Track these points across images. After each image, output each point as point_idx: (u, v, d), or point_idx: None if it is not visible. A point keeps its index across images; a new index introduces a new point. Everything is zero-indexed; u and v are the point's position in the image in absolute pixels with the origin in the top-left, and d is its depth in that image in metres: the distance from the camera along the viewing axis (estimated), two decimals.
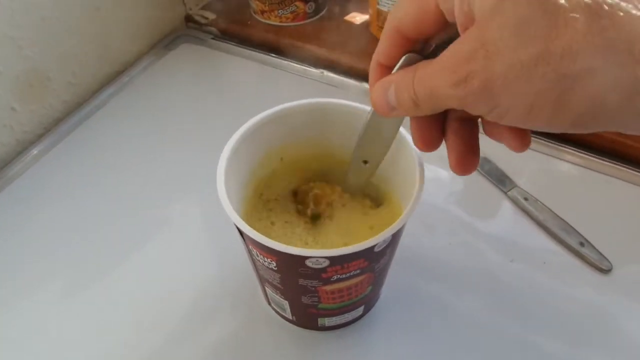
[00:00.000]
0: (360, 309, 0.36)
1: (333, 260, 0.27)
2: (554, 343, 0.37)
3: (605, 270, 0.40)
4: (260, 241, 0.27)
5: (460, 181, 0.48)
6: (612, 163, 0.48)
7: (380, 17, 0.58)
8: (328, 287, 0.31)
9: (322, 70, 0.58)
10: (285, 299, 0.34)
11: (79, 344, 0.37)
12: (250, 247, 0.30)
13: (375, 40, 0.59)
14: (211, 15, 0.66)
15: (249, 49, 0.62)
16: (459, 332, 0.38)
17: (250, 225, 0.28)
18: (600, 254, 0.41)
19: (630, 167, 0.48)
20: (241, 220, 0.28)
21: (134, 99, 0.56)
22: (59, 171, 0.49)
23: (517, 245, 0.43)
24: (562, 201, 0.45)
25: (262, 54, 0.61)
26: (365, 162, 0.33)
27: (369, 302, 0.36)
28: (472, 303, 0.39)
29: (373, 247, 0.28)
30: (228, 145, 0.32)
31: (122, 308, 0.39)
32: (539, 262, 0.41)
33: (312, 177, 0.38)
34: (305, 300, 0.33)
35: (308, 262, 0.28)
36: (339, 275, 0.29)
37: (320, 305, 0.33)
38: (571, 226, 0.43)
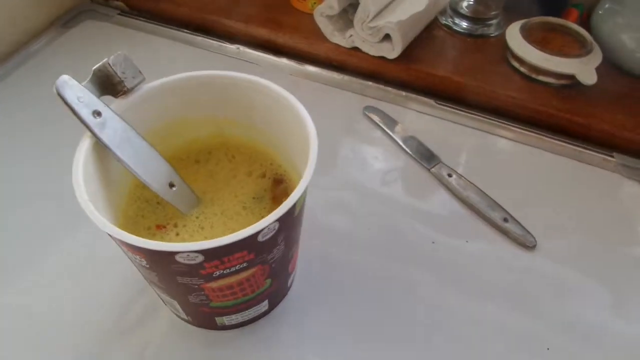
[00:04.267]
0: (264, 304, 0.33)
1: (207, 254, 0.24)
2: (481, 320, 0.34)
3: (530, 247, 0.38)
4: (122, 238, 0.23)
5: (382, 159, 0.45)
6: (537, 133, 0.46)
7: None
8: (213, 284, 0.27)
9: (238, 46, 0.54)
10: (173, 299, 0.30)
11: None
12: (120, 246, 0.26)
13: (295, 11, 0.55)
14: None
15: (160, 25, 0.57)
16: (378, 321, 0.35)
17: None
18: (525, 229, 0.39)
19: (555, 137, 0.46)
20: (95, 212, 0.24)
21: (28, 79, 0.50)
22: None
23: (440, 222, 0.40)
24: (487, 176, 0.42)
25: (174, 30, 0.56)
26: (171, 185, 0.30)
27: (273, 296, 0.33)
28: (393, 288, 0.36)
29: (255, 235, 0.24)
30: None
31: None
32: (462, 240, 0.39)
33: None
34: (193, 299, 0.29)
35: (179, 258, 0.24)
36: (221, 271, 0.26)
37: (212, 304, 0.29)
38: (495, 202, 0.41)
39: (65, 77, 0.26)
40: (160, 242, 0.23)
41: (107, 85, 0.28)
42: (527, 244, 0.39)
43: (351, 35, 0.50)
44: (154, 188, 0.29)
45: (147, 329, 0.34)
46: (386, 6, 0.47)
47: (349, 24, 0.49)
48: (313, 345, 0.34)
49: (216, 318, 0.32)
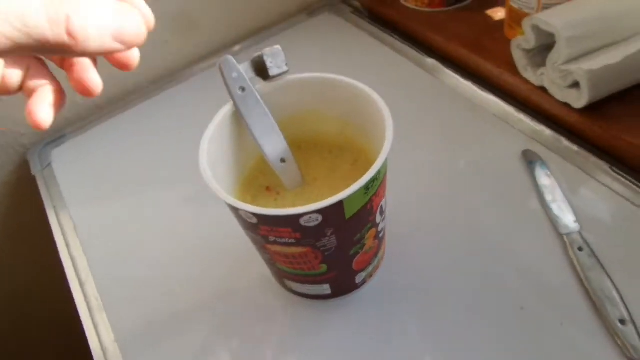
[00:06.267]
0: (326, 287, 0.37)
1: (260, 218, 0.29)
2: None
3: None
4: (218, 194, 0.30)
5: (516, 204, 0.42)
6: None
7: (512, 15, 0.52)
8: (272, 248, 0.32)
9: (433, 60, 0.56)
10: (258, 251, 0.37)
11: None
12: None
13: (504, 39, 0.54)
14: None
15: (378, 27, 0.63)
16: (437, 345, 0.35)
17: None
18: None
19: None
20: (210, 175, 0.31)
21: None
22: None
23: (541, 291, 0.37)
24: (630, 268, 0.36)
25: (386, 35, 0.62)
26: (283, 160, 0.34)
27: (336, 284, 0.36)
28: (469, 326, 0.36)
29: (297, 218, 0.28)
30: (216, 118, 0.34)
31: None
32: (556, 321, 0.35)
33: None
34: (264, 255, 0.35)
35: (242, 214, 0.30)
36: (274, 238, 0.31)
37: (277, 265, 0.35)
38: (622, 298, 0.35)
39: (228, 57, 0.34)
40: (234, 199, 0.30)
41: (260, 70, 0.35)
42: (635, 356, 0.32)
43: (542, 74, 0.47)
44: (268, 158, 0.35)
45: (244, 270, 0.42)
46: (585, 53, 0.43)
47: (544, 62, 0.46)
48: (362, 340, 0.36)
49: (285, 280, 0.37)
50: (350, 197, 0.28)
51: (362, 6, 0.67)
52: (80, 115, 0.61)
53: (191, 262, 0.44)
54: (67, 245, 0.47)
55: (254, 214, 0.29)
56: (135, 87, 0.63)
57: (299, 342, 0.37)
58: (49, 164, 0.56)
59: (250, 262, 0.42)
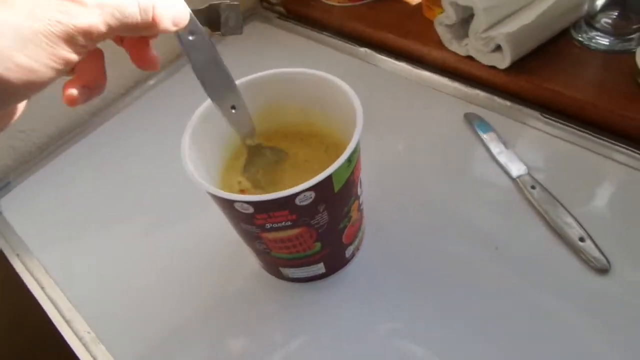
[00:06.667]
0: (320, 266, 0.39)
1: (256, 206, 0.31)
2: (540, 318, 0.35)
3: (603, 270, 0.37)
4: (203, 187, 0.32)
5: (469, 160, 0.46)
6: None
7: None
8: (269, 235, 0.34)
9: (366, 49, 0.60)
10: (249, 246, 0.38)
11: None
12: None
13: (425, 20, 0.59)
14: None
15: (308, 28, 0.66)
16: (430, 312, 0.38)
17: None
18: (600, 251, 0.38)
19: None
20: (192, 170, 0.32)
21: None
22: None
23: (508, 229, 0.41)
24: (569, 190, 0.42)
25: (317, 33, 0.65)
26: (233, 107, 0.33)
27: (329, 261, 0.39)
28: (454, 275, 0.39)
29: (292, 198, 0.30)
30: (196, 114, 0.36)
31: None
32: (527, 249, 0.39)
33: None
34: (259, 247, 0.36)
35: (236, 206, 0.31)
36: (271, 224, 0.32)
37: (273, 254, 0.37)
38: (576, 220, 0.40)
39: None
40: (225, 192, 0.31)
41: (212, 21, 0.32)
42: (598, 265, 0.37)
43: (466, 44, 0.52)
44: (216, 105, 0.33)
45: (235, 269, 0.43)
46: (502, 19, 0.48)
47: (467, 33, 0.51)
48: (361, 311, 0.39)
49: (280, 268, 0.39)
50: (337, 171, 0.31)
51: (286, 11, 0.70)
52: (22, 159, 0.59)
53: (177, 276, 0.44)
54: (42, 288, 0.46)
55: (251, 202, 0.30)
56: (76, 122, 0.61)
57: (303, 325, 0.39)
58: (0, 213, 0.54)
59: (237, 263, 0.43)
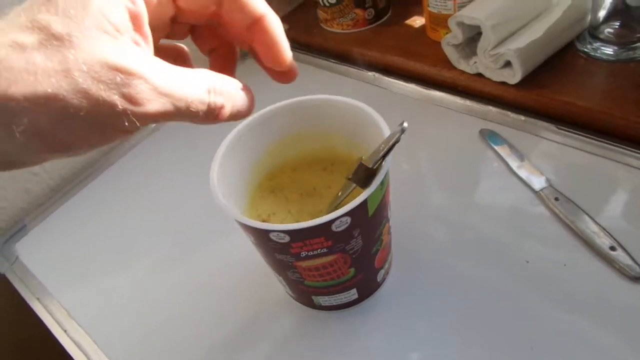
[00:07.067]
0: (353, 292, 0.38)
1: (292, 235, 0.31)
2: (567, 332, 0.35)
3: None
4: (236, 218, 0.31)
5: (489, 177, 0.47)
6: None
7: (432, 19, 0.58)
8: (303, 264, 0.34)
9: (374, 73, 0.61)
10: (279, 275, 0.38)
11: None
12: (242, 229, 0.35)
13: (429, 41, 0.60)
14: (285, 26, 0.72)
15: (313, 56, 0.67)
16: (462, 322, 0.37)
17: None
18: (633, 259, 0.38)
19: None
20: (221, 198, 0.32)
21: None
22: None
23: (538, 243, 0.41)
24: (600, 203, 0.42)
25: (322, 60, 0.66)
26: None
27: (362, 287, 0.38)
28: (484, 296, 0.39)
29: (329, 225, 0.30)
30: (223, 144, 0.36)
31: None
32: (560, 263, 0.39)
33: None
34: (291, 276, 0.36)
35: (272, 236, 0.31)
36: (306, 252, 0.32)
37: (306, 283, 0.36)
38: (604, 229, 0.40)
39: None
40: (259, 222, 0.31)
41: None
42: (632, 273, 0.37)
43: (475, 62, 0.53)
44: None
45: (262, 300, 0.42)
46: (509, 35, 0.49)
47: (474, 52, 0.52)
48: (394, 338, 0.38)
49: (312, 297, 0.38)
50: (372, 195, 0.31)
51: (290, 39, 0.71)
52: (36, 202, 0.59)
53: (200, 308, 0.43)
54: (66, 331, 0.45)
55: (287, 232, 0.30)
56: (89, 161, 0.61)
57: (335, 355, 0.38)
58: (17, 258, 0.53)
59: (263, 292, 0.43)
